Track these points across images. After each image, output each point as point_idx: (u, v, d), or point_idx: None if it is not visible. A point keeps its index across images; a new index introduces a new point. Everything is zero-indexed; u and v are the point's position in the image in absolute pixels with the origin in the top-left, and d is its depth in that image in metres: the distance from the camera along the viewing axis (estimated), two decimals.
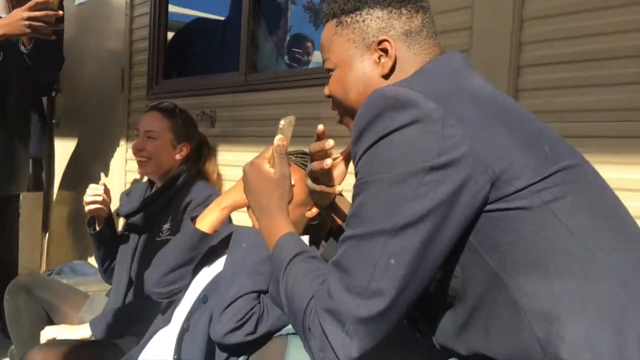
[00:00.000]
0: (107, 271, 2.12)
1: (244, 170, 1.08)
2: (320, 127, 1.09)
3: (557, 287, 0.77)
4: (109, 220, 2.06)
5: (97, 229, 2.04)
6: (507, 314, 0.79)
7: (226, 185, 2.20)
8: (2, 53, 2.50)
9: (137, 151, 2.01)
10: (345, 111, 1.03)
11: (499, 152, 0.80)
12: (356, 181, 0.86)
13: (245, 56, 2.51)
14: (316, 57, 3.04)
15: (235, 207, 1.55)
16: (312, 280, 0.87)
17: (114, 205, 2.13)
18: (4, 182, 2.66)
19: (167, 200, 1.98)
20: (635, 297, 0.77)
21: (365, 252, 0.81)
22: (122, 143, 3.06)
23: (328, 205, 1.18)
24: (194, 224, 1.55)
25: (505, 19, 1.60)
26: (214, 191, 1.99)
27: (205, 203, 1.91)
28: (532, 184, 0.79)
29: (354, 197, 0.85)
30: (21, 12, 2.12)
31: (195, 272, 1.55)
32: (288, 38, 3.13)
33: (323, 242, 1.51)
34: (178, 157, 2.02)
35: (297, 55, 3.08)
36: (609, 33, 1.44)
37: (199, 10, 3.56)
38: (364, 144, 0.84)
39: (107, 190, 2.01)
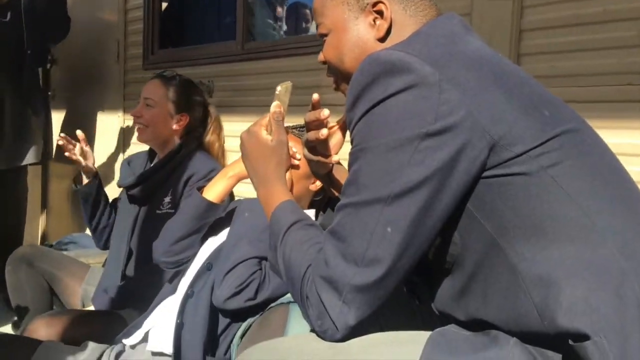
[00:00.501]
0: (95, 231, 2.13)
1: (241, 138, 1.06)
2: (315, 96, 1.07)
3: (556, 252, 0.76)
4: (96, 177, 2.07)
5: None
6: (505, 279, 0.79)
7: (228, 157, 2.19)
8: (10, 13, 2.49)
9: (135, 118, 2.01)
10: (341, 77, 1.01)
11: (497, 117, 0.78)
12: (352, 148, 0.84)
13: (242, 24, 2.47)
14: (315, 27, 2.99)
15: (241, 177, 1.55)
16: (309, 248, 0.87)
17: (115, 175, 2.13)
18: (21, 151, 2.69)
19: (167, 173, 1.97)
20: (636, 262, 0.76)
21: (362, 220, 0.80)
22: (119, 114, 3.03)
23: (325, 174, 1.17)
24: (201, 193, 1.55)
25: None
26: (216, 165, 1.97)
27: (207, 177, 1.90)
28: (531, 149, 0.78)
29: (350, 164, 0.84)
30: None
31: (202, 242, 1.56)
32: (285, 7, 3.08)
33: (321, 212, 1.51)
34: (176, 127, 2.00)
35: (296, 24, 3.03)
36: None
37: None
38: (359, 110, 0.82)
39: (83, 139, 2.04)
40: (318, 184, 1.46)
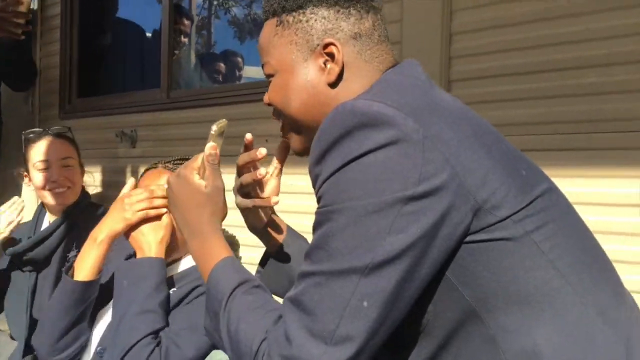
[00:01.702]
0: None
1: (169, 183, 0.94)
2: (249, 136, 1.00)
3: (538, 323, 0.72)
4: None
5: None
6: (482, 351, 0.73)
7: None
8: None
9: (57, 182, 1.88)
10: (287, 121, 0.93)
11: (480, 178, 0.73)
12: (320, 208, 0.76)
13: (166, 72, 2.39)
14: (247, 73, 2.95)
15: (112, 238, 1.34)
16: (262, 318, 0.78)
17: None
18: None
19: (69, 227, 1.86)
20: (619, 330, 0.74)
21: (334, 292, 0.71)
22: None
23: (262, 229, 1.08)
24: (71, 275, 1.33)
25: (434, 34, 1.60)
26: None
27: None
28: (515, 213, 0.73)
29: (316, 225, 0.76)
30: None
31: (92, 318, 1.37)
32: (214, 53, 3.04)
33: (259, 267, 1.42)
34: (83, 181, 1.99)
35: (226, 72, 2.98)
36: (536, 47, 1.46)
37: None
38: (329, 166, 0.74)
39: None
40: None
